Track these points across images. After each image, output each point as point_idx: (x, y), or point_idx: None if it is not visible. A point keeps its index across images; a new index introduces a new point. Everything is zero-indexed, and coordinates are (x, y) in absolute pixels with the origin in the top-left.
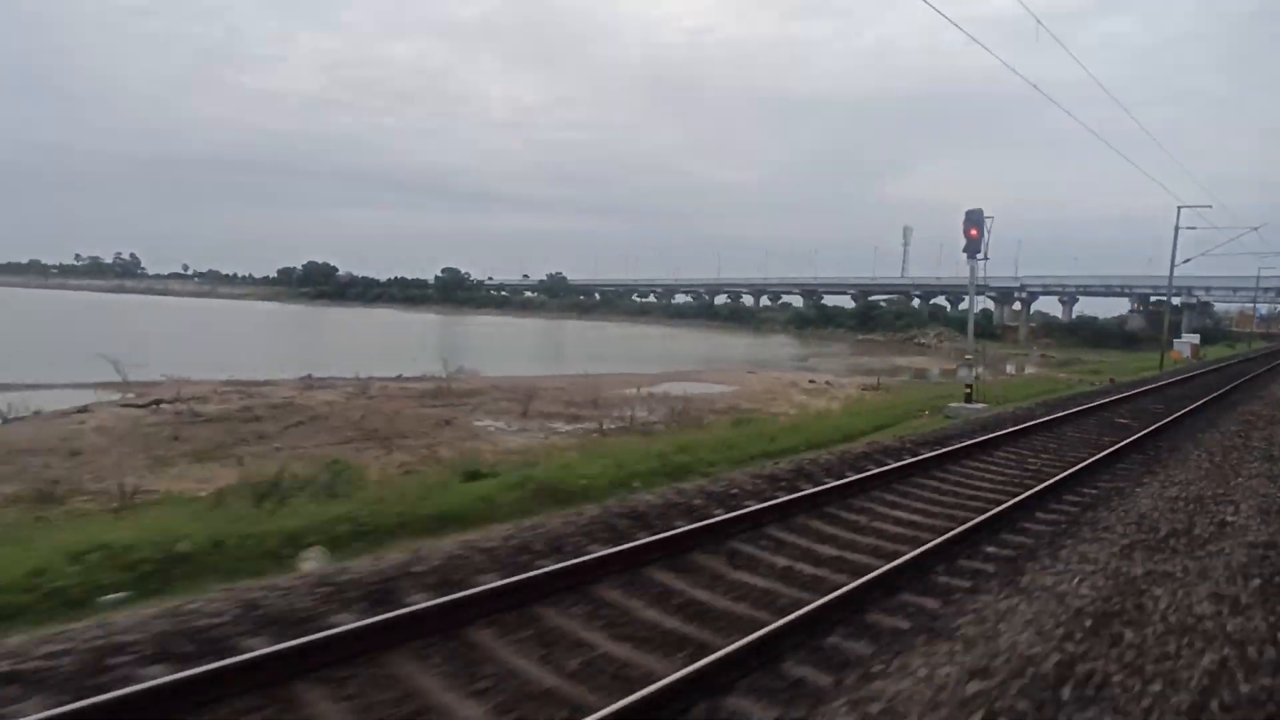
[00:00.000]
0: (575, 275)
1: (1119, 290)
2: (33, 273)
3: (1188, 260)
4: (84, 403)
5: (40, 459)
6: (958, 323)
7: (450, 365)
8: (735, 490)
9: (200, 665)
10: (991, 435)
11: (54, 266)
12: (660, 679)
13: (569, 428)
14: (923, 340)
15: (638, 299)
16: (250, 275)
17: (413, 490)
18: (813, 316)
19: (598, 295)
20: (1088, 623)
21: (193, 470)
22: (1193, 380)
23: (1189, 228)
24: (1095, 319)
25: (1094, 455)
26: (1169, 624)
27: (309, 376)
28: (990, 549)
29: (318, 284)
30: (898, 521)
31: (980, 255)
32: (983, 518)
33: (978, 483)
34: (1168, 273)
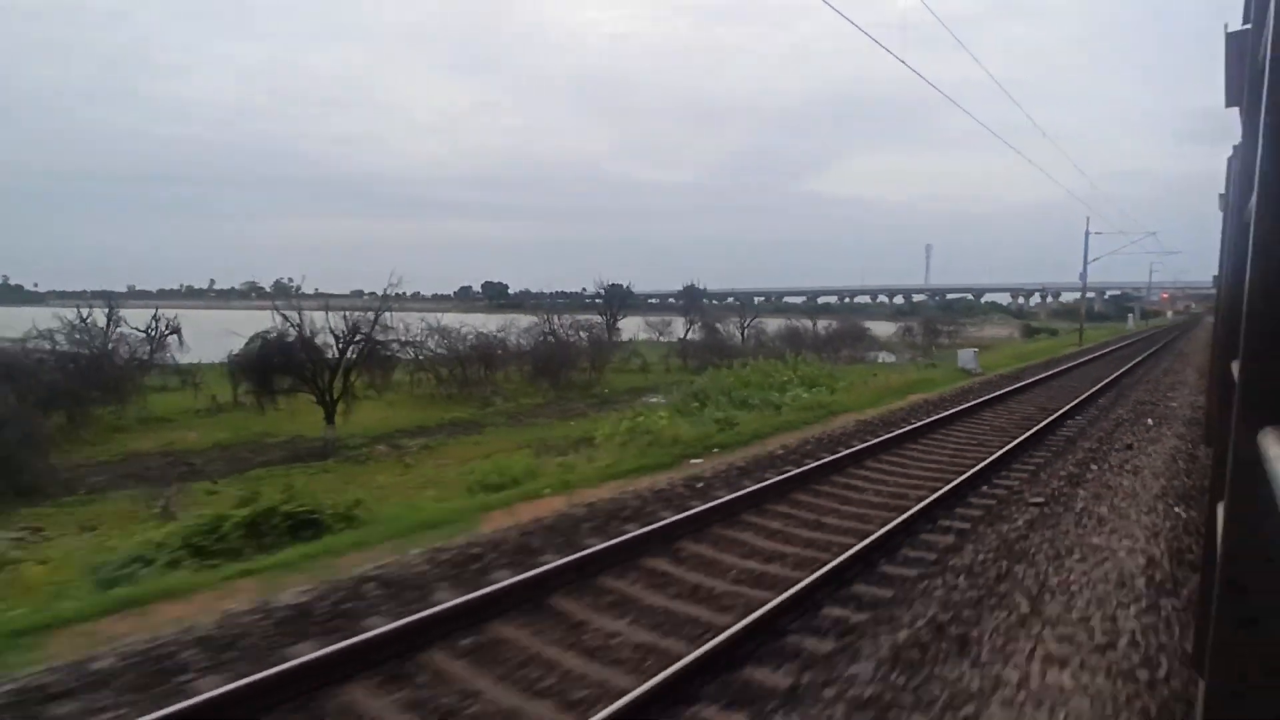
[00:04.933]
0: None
1: (1084, 289)
2: (190, 296)
3: (1096, 259)
4: None
5: None
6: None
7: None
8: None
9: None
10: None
11: (211, 290)
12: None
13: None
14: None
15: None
16: (419, 293)
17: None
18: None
19: (731, 300)
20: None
21: None
22: (1144, 335)
23: (1096, 233)
24: (1073, 305)
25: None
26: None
27: None
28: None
29: (492, 299)
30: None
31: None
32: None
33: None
34: (1102, 278)
